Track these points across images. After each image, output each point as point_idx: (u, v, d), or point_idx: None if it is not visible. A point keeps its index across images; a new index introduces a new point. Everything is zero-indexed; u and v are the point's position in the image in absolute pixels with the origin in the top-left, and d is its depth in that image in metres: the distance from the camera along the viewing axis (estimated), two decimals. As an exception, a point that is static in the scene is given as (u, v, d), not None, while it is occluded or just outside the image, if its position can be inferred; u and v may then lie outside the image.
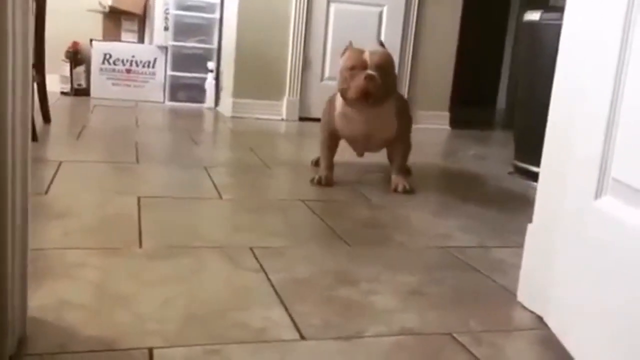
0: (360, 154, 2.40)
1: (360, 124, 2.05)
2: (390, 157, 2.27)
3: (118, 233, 1.42)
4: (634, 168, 0.82)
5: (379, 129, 2.09)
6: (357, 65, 1.92)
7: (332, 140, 2.17)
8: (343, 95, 1.99)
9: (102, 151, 2.44)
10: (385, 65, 1.95)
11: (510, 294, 1.24)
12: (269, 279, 1.21)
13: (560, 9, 2.47)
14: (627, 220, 0.83)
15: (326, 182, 2.09)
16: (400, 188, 2.08)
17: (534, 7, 2.54)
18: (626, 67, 0.86)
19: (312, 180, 2.09)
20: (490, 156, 3.21)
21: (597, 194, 0.90)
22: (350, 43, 2.07)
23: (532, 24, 2.43)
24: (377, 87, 1.90)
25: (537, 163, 2.46)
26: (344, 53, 2.04)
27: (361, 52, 1.95)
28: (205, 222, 1.57)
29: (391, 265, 1.36)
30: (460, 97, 4.35)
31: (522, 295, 1.19)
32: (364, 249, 1.46)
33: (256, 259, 1.32)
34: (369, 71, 1.90)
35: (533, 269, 1.15)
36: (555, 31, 2.37)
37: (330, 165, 2.17)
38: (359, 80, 1.89)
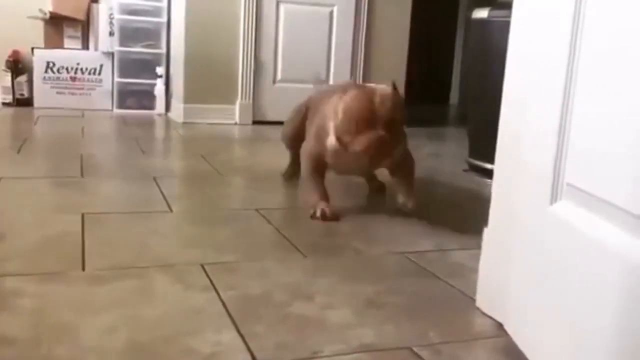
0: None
1: (359, 161, 1.72)
2: (392, 175, 1.92)
3: (59, 255, 1.34)
4: (589, 173, 0.80)
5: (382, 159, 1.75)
6: (366, 119, 1.61)
7: (320, 171, 1.83)
8: (341, 144, 1.68)
9: (44, 165, 2.34)
10: (398, 121, 1.65)
11: (469, 299, 1.22)
12: (220, 298, 1.16)
13: (508, 6, 2.49)
14: (582, 226, 0.81)
15: (332, 216, 1.74)
16: (410, 205, 1.79)
17: (482, 4, 2.55)
18: (577, 67, 0.84)
19: (312, 216, 1.74)
20: (445, 154, 3.21)
21: (552, 199, 0.88)
22: (355, 81, 1.77)
23: (480, 21, 2.44)
24: (389, 149, 1.65)
25: (491, 160, 2.46)
26: (345, 90, 1.68)
27: (370, 99, 1.61)
28: (153, 239, 1.50)
29: (347, 275, 1.32)
30: (413, 95, 4.36)
31: (481, 301, 1.17)
32: (320, 259, 1.42)
33: (207, 276, 1.27)
34: (381, 132, 1.60)
35: (490, 274, 1.13)
36: (503, 28, 2.37)
37: (326, 194, 1.81)
38: (368, 141, 1.60)
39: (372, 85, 1.72)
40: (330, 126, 1.73)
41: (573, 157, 0.84)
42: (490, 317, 1.12)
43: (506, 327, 1.06)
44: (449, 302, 1.22)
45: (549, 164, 0.89)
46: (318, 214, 1.73)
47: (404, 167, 1.85)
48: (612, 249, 0.74)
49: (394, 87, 1.69)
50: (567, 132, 0.85)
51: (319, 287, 1.25)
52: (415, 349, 1.00)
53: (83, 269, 1.27)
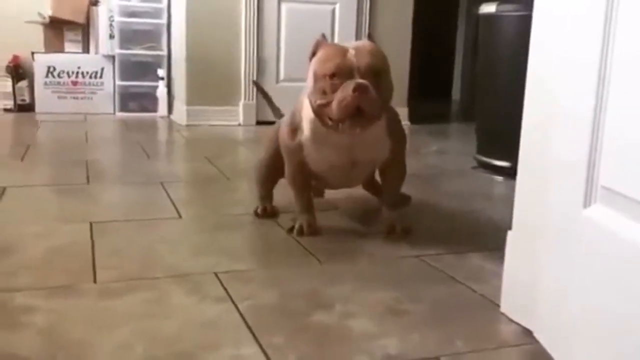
0: (321, 194, 1.88)
1: (343, 152, 1.49)
2: (375, 185, 1.78)
3: (69, 267, 1.30)
4: (625, 174, 0.77)
5: (367, 156, 1.54)
6: (340, 71, 1.35)
7: (303, 174, 1.58)
8: (319, 115, 1.41)
9: (49, 173, 2.30)
10: (379, 68, 1.39)
11: (492, 304, 1.18)
12: (237, 309, 1.12)
13: (515, 0, 2.45)
14: (619, 231, 0.78)
15: (310, 231, 1.55)
16: (398, 229, 1.58)
17: (483, -1, 2.51)
18: (610, 60, 0.80)
19: (289, 231, 1.56)
20: (452, 151, 3.18)
21: (586, 202, 0.84)
22: (323, 37, 1.49)
23: (488, 16, 2.40)
24: (373, 102, 1.35)
25: (500, 157, 2.45)
26: (314, 52, 1.46)
27: (343, 50, 1.38)
28: (164, 247, 1.47)
29: (365, 281, 1.28)
30: (416, 91, 4.32)
31: (506, 307, 1.13)
32: (336, 265, 1.38)
33: (222, 286, 1.23)
34: (359, 80, 1.34)
35: (517, 279, 1.10)
36: (512, 22, 2.35)
37: (310, 206, 1.60)
38: (346, 94, 1.33)
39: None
40: (298, 117, 1.51)
41: (608, 157, 0.80)
42: (517, 324, 1.09)
43: (536, 334, 1.02)
44: (472, 307, 1.18)
45: (581, 164, 0.85)
46: (296, 230, 1.54)
47: (389, 175, 1.63)
48: (655, 255, 0.71)
49: (370, 37, 1.50)
50: (601, 130, 0.81)
51: (337, 294, 1.21)
52: (443, 358, 0.97)
53: (94, 281, 1.23)
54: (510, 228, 1.13)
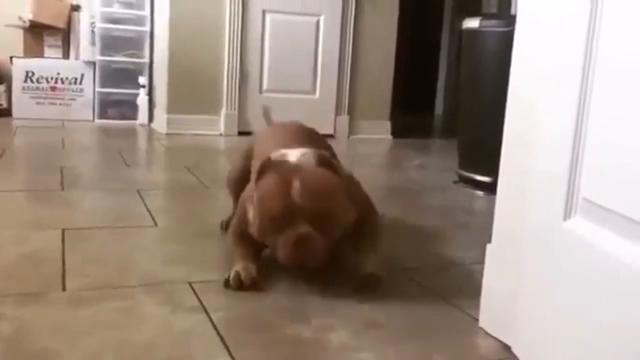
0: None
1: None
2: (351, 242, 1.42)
3: (38, 275, 1.26)
4: (607, 186, 0.76)
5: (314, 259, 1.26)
6: (283, 216, 1.21)
7: (246, 239, 1.36)
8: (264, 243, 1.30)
9: (23, 178, 2.25)
10: (326, 211, 1.23)
11: (471, 318, 1.17)
12: (211, 320, 1.09)
13: (498, 16, 2.46)
14: (601, 244, 0.77)
15: (248, 283, 1.25)
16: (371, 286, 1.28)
17: (467, 14, 2.52)
18: (593, 70, 0.80)
19: (225, 283, 1.25)
20: (434, 165, 3.18)
21: (566, 215, 0.83)
22: (269, 163, 1.29)
23: (471, 31, 2.41)
24: (316, 254, 1.21)
25: (482, 172, 2.45)
26: (260, 173, 1.28)
27: (287, 187, 1.21)
28: (138, 255, 1.43)
29: (342, 294, 1.26)
30: (398, 105, 4.33)
31: (485, 321, 1.11)
32: (315, 277, 1.36)
33: (196, 295, 1.20)
34: (301, 231, 1.19)
35: (496, 293, 1.08)
36: (495, 38, 2.36)
37: (250, 252, 1.35)
38: (287, 247, 1.20)
39: (294, 160, 1.29)
40: (249, 211, 1.33)
41: (589, 169, 0.79)
42: (496, 338, 1.07)
43: (514, 350, 1.01)
44: (451, 321, 1.16)
45: (562, 176, 0.84)
46: (231, 281, 1.24)
47: (364, 229, 1.37)
48: (635, 268, 0.70)
49: (322, 161, 1.29)
50: (582, 142, 0.81)
51: (314, 307, 1.19)
52: (420, 374, 0.94)
53: (64, 289, 1.19)
54: (489, 241, 1.12)
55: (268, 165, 1.29)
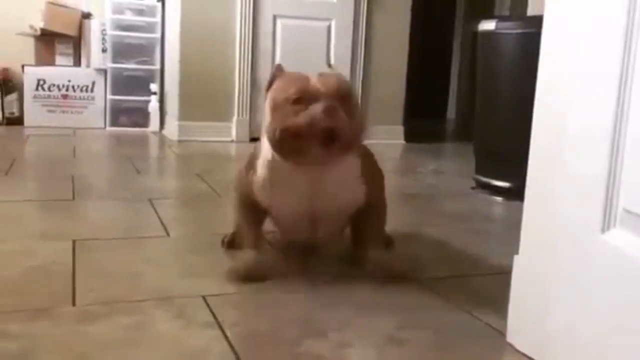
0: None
1: (304, 192, 1.27)
2: (354, 229, 1.45)
3: (47, 288, 1.22)
4: (650, 197, 0.70)
5: (334, 204, 1.30)
6: (305, 95, 1.15)
7: (253, 214, 1.36)
8: (281, 145, 1.18)
9: (33, 188, 2.22)
10: (348, 92, 1.20)
11: (496, 332, 1.11)
12: (225, 336, 1.05)
13: (514, 18, 2.40)
14: (643, 258, 0.71)
15: (256, 275, 1.28)
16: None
17: (479, 17, 2.47)
18: (632, 66, 0.74)
19: (234, 274, 1.29)
20: (449, 170, 3.12)
21: (604, 227, 0.77)
22: (280, 67, 1.29)
23: (487, 33, 2.35)
24: (346, 124, 1.14)
25: (500, 177, 2.39)
26: (271, 83, 1.26)
27: (305, 76, 1.20)
28: (150, 267, 1.39)
29: (362, 307, 1.21)
30: (411, 110, 4.28)
31: (513, 337, 1.06)
32: (330, 289, 1.31)
33: (210, 310, 1.15)
34: (328, 102, 1.13)
35: (525, 308, 1.03)
36: (512, 40, 2.30)
37: (258, 240, 1.35)
38: (313, 115, 1.12)
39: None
40: (254, 157, 1.31)
41: (631, 176, 0.74)
42: (525, 355, 1.01)
43: (546, 368, 0.95)
44: (476, 335, 1.11)
45: (599, 184, 0.78)
46: (241, 273, 1.28)
47: (366, 218, 1.37)
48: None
49: (330, 66, 1.33)
50: (622, 144, 0.75)
51: (332, 321, 1.14)
52: (446, 394, 0.89)
53: (73, 304, 1.15)
54: (516, 252, 1.06)
55: (279, 73, 1.26)
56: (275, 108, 1.19)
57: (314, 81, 1.18)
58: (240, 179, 1.38)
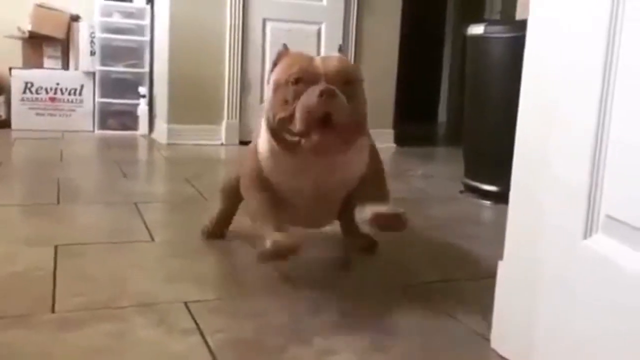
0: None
1: (306, 175, 1.25)
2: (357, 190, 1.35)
3: (27, 295, 1.20)
4: (633, 202, 0.69)
5: (337, 176, 1.27)
6: (306, 75, 1.14)
7: (266, 188, 1.29)
8: (278, 132, 1.18)
9: (18, 192, 2.20)
10: (351, 75, 1.18)
11: (482, 338, 1.10)
12: (206, 343, 1.03)
13: (503, 22, 2.40)
14: (625, 265, 0.71)
15: (290, 250, 1.20)
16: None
17: (469, 21, 2.47)
18: (614, 71, 0.74)
19: (261, 257, 1.23)
20: (439, 174, 3.12)
21: (587, 232, 0.77)
22: (285, 47, 1.27)
23: (476, 37, 2.35)
24: (343, 109, 1.11)
25: (488, 181, 2.38)
26: (276, 63, 1.25)
27: (309, 56, 1.20)
28: (133, 273, 1.37)
29: (347, 312, 1.20)
30: (402, 113, 4.28)
31: (498, 342, 1.05)
32: (316, 294, 1.29)
33: (192, 317, 1.14)
34: (326, 85, 1.11)
35: (509, 313, 1.02)
36: (500, 44, 2.30)
37: (279, 217, 1.26)
38: (310, 99, 1.10)
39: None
40: (261, 128, 1.28)
41: (612, 183, 0.73)
42: (509, 361, 1.01)
43: (530, 374, 0.94)
44: (462, 342, 1.10)
45: (581, 190, 0.78)
46: (271, 251, 1.18)
47: (367, 180, 1.31)
48: (667, 293, 0.64)
49: (341, 50, 1.31)
50: (604, 151, 0.74)
51: (316, 327, 1.12)
52: (429, 402, 0.88)
53: (53, 310, 1.13)
54: (501, 257, 1.05)
55: (285, 52, 1.25)
56: (276, 88, 1.19)
57: (317, 61, 1.17)
58: (249, 157, 1.34)
